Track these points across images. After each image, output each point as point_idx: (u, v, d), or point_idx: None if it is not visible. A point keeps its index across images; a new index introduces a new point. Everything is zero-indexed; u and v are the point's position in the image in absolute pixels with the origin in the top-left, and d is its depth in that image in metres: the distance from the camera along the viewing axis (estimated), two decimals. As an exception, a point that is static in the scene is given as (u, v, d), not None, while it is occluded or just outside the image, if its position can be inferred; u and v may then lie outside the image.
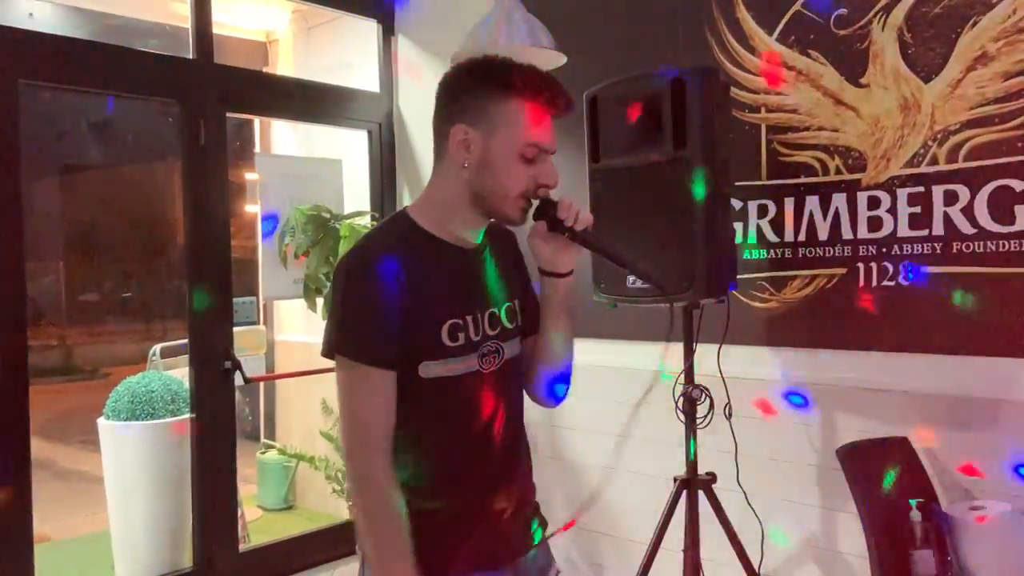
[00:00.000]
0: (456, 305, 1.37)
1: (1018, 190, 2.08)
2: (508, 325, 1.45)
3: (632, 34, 2.83)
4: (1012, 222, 2.09)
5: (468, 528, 1.40)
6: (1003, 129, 2.10)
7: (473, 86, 1.34)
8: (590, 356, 2.95)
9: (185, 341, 3.26)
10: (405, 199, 3.74)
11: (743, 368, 2.45)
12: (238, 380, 3.19)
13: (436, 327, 1.34)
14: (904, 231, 2.27)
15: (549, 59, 2.46)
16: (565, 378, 1.55)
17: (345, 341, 1.32)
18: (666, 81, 2.13)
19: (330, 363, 1.34)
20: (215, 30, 3.16)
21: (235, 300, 3.25)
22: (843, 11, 2.36)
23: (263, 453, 4.56)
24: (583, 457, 3.08)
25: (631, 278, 2.24)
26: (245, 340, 3.80)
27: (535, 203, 1.38)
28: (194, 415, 3.13)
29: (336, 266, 1.39)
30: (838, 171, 2.39)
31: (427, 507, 1.37)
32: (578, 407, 3.03)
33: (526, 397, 1.56)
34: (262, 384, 4.83)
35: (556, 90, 1.34)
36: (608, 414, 2.93)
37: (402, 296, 1.30)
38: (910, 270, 2.24)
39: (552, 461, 3.13)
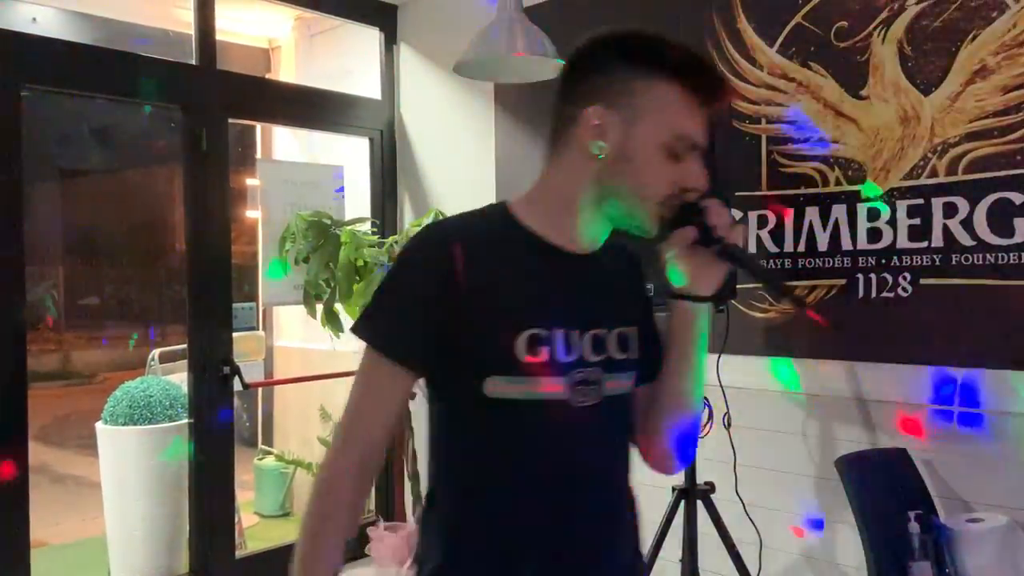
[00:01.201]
0: (542, 313, 1.09)
1: (1017, 203, 2.08)
2: (617, 355, 1.15)
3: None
4: (1011, 235, 2.09)
5: None
6: (1003, 142, 2.11)
7: (616, 62, 1.09)
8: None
9: (184, 346, 3.27)
10: (406, 206, 3.74)
11: (742, 378, 2.45)
12: (237, 386, 3.20)
13: (510, 335, 1.07)
14: (903, 243, 2.28)
15: (551, 68, 2.47)
16: (694, 435, 1.22)
17: (370, 322, 1.12)
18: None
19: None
20: (218, 36, 3.18)
21: (235, 306, 3.25)
22: (844, 23, 2.37)
23: (261, 459, 4.55)
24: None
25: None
26: (244, 346, 3.79)
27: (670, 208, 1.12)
28: (192, 420, 3.13)
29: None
30: (838, 182, 2.39)
31: None
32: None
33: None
34: (260, 390, 4.82)
35: (714, 73, 1.11)
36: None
37: (455, 291, 1.06)
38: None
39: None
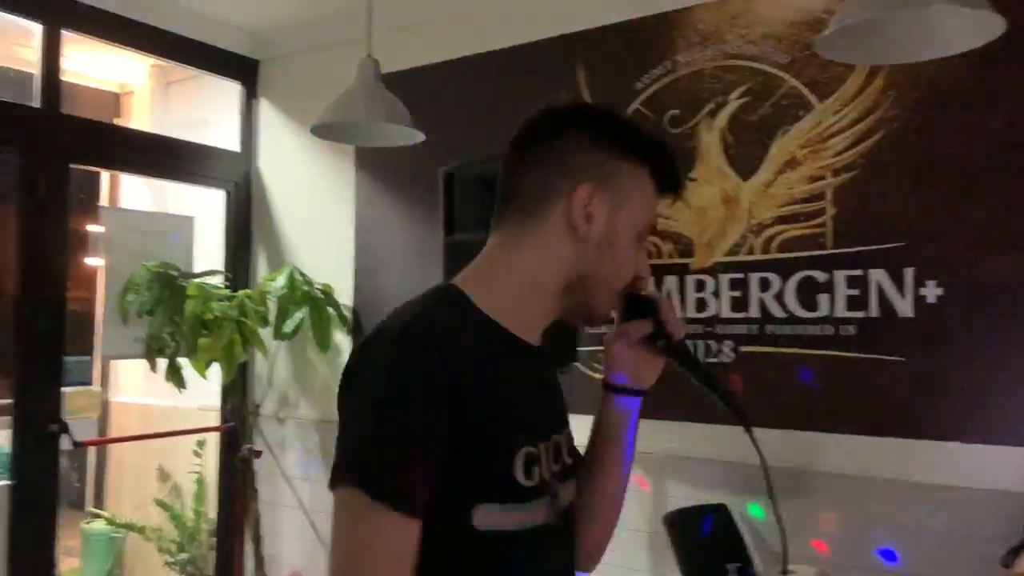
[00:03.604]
0: (532, 427, 1.00)
1: (820, 281, 2.34)
2: (568, 460, 1.09)
3: (486, 117, 2.98)
4: (815, 309, 2.34)
5: None
6: (807, 226, 2.37)
7: (606, 144, 1.03)
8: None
9: (8, 401, 3.05)
10: (260, 260, 3.68)
11: (580, 437, 2.56)
12: (66, 444, 3.01)
13: (508, 456, 0.95)
14: (727, 312, 2.49)
15: (406, 136, 2.55)
16: (607, 539, 1.21)
17: (368, 470, 0.89)
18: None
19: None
20: (64, 78, 3.07)
21: (66, 359, 3.08)
22: (676, 112, 2.61)
23: (88, 523, 4.25)
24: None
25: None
26: (76, 402, 3.59)
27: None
28: (12, 481, 2.91)
29: (363, 352, 0.96)
30: (670, 255, 2.60)
31: None
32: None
33: None
34: (93, 449, 4.53)
35: (679, 170, 1.10)
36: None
37: (461, 409, 0.90)
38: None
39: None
